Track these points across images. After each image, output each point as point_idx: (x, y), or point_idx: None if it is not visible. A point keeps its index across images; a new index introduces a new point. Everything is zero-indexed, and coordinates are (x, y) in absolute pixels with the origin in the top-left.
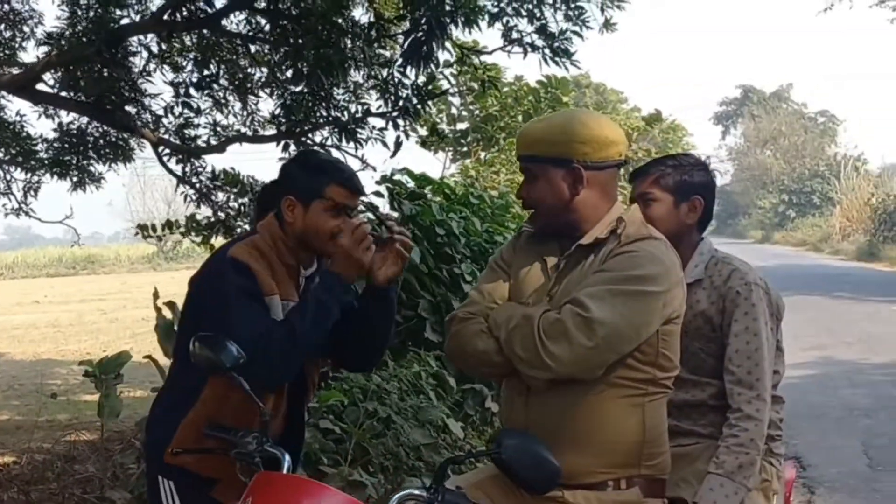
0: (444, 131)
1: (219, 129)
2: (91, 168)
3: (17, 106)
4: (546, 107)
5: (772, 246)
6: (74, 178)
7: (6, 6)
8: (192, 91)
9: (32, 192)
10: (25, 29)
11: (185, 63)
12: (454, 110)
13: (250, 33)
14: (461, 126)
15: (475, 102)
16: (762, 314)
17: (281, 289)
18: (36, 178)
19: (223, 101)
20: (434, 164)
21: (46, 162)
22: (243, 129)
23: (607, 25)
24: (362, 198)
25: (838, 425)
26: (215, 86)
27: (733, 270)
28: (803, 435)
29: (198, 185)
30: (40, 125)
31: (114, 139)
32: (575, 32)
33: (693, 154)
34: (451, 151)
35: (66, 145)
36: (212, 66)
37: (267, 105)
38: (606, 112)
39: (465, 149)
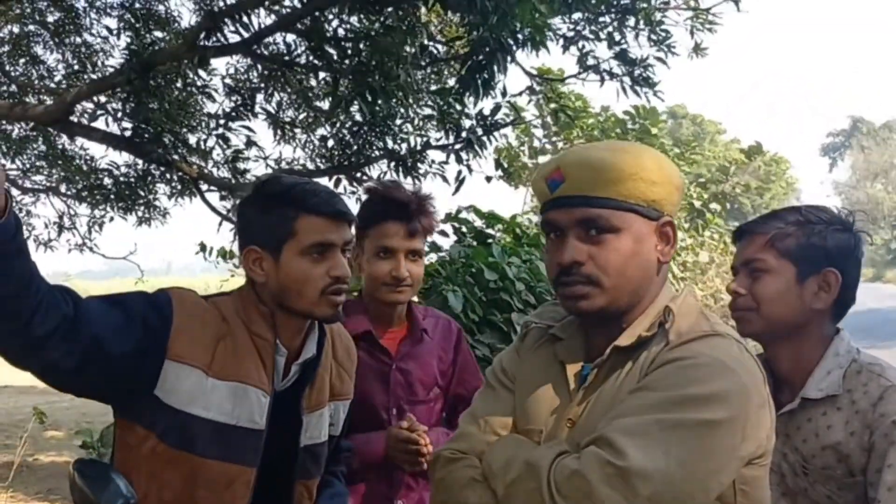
0: (522, 165)
1: (268, 162)
2: (157, 203)
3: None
4: (634, 139)
5: (884, 284)
6: (139, 213)
7: (78, 38)
8: (226, 122)
9: (97, 228)
10: (94, 60)
11: (220, 93)
12: (537, 142)
13: (287, 58)
14: (544, 159)
15: (558, 134)
16: None
17: (232, 367)
18: (100, 214)
19: (280, 132)
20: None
21: (112, 197)
22: (294, 164)
23: (697, 50)
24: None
25: None
26: (251, 116)
27: (888, 388)
28: None
29: None
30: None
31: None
32: (659, 59)
33: (828, 208)
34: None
35: (132, 180)
36: (244, 94)
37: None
38: (704, 145)
39: None
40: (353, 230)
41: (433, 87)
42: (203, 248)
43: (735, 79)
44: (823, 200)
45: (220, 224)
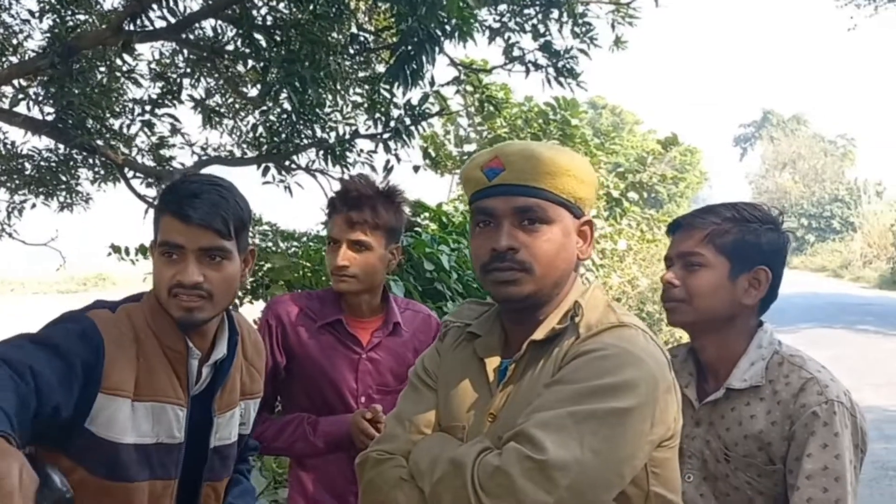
0: (447, 153)
1: (194, 149)
2: (79, 189)
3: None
4: (556, 129)
5: (790, 271)
6: (61, 199)
7: None
8: (152, 109)
9: (17, 213)
10: (14, 42)
11: (146, 78)
12: (462, 131)
13: (215, 45)
14: (469, 147)
15: (483, 123)
16: (847, 449)
17: (148, 384)
18: (20, 199)
19: (207, 119)
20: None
21: (32, 182)
22: (222, 150)
23: (618, 43)
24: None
25: (871, 489)
26: (177, 103)
27: (808, 380)
28: None
29: None
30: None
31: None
32: (582, 51)
33: (761, 205)
34: (457, 175)
35: (54, 165)
36: (171, 81)
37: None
38: (622, 135)
39: None
40: (219, 240)
41: (362, 75)
42: (116, 249)
43: (654, 71)
44: (734, 189)
45: (146, 211)
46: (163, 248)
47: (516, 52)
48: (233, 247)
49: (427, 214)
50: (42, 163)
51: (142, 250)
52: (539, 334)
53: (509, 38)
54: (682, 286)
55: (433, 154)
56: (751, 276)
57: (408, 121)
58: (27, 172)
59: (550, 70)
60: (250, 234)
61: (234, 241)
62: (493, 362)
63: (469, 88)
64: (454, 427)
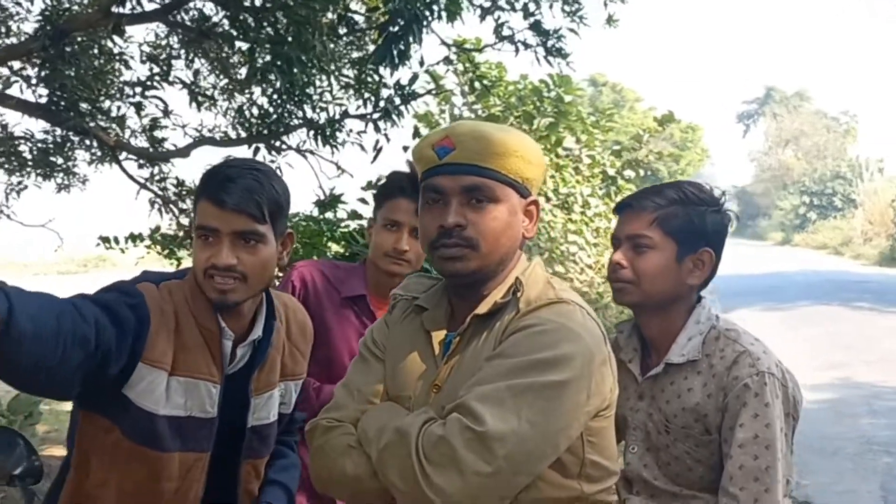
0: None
1: (186, 130)
2: (76, 170)
3: None
4: (550, 107)
5: (792, 248)
6: (58, 181)
7: None
8: (143, 91)
9: (15, 195)
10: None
11: (136, 60)
12: (457, 110)
13: (204, 27)
14: None
15: (477, 102)
16: (777, 418)
17: (184, 360)
18: (17, 180)
19: (196, 101)
20: None
21: (29, 163)
22: (216, 131)
23: (610, 21)
24: (248, 218)
25: (855, 463)
26: (165, 85)
27: (741, 353)
28: (815, 475)
29: (162, 193)
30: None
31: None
32: (571, 30)
33: (703, 185)
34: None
35: (50, 147)
36: (161, 63)
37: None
38: (623, 112)
39: None
40: (253, 224)
41: (355, 55)
42: (105, 239)
43: (656, 48)
44: (737, 167)
45: (138, 192)
46: (199, 232)
47: (506, 32)
48: (268, 230)
49: None
50: (39, 144)
51: (132, 238)
52: (482, 308)
53: (499, 17)
54: (629, 267)
55: (426, 133)
56: (696, 258)
57: (398, 101)
58: (24, 154)
59: (539, 49)
60: None
61: (268, 224)
62: (438, 335)
63: (461, 68)
64: (401, 397)
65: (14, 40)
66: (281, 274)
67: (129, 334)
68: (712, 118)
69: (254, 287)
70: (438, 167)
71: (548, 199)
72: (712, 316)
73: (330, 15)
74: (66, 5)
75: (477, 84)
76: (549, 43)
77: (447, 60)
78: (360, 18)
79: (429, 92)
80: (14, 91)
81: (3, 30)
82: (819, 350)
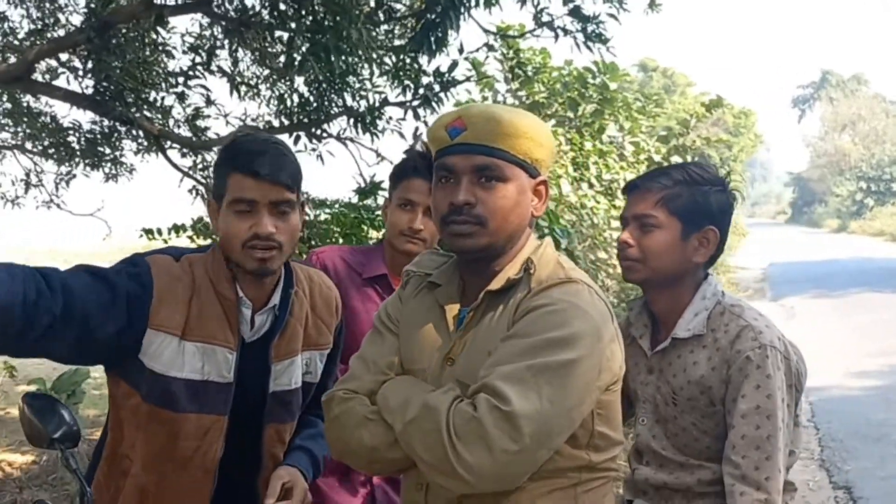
0: None
1: (228, 119)
2: (123, 160)
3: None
4: (595, 93)
5: (848, 235)
6: (106, 170)
7: None
8: (185, 81)
9: (64, 184)
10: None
11: (179, 50)
12: (500, 97)
13: (243, 17)
14: None
15: (521, 88)
16: (778, 389)
17: (199, 326)
18: (67, 170)
19: (237, 91)
20: None
21: (78, 153)
22: (259, 120)
23: (652, 6)
24: (288, 189)
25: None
26: (207, 75)
27: (744, 328)
28: (858, 460)
29: (205, 181)
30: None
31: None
32: (611, 15)
33: (709, 166)
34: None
35: (98, 137)
36: (202, 54)
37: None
38: (673, 97)
39: None
40: (287, 193)
41: (396, 43)
42: (148, 231)
43: (709, 33)
44: (792, 152)
45: (181, 181)
46: (236, 205)
47: (545, 18)
48: (295, 199)
49: None
50: (87, 135)
51: (175, 229)
52: (495, 285)
53: (538, 3)
54: (636, 246)
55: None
56: (701, 236)
57: (437, 88)
58: (73, 144)
59: (579, 35)
60: None
61: (295, 193)
62: (452, 310)
63: (500, 55)
64: (415, 370)
65: (61, 32)
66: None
67: (122, 299)
68: (767, 103)
69: (286, 254)
70: (450, 147)
71: (591, 186)
72: (718, 292)
73: (372, 3)
74: None
75: (518, 71)
76: (589, 28)
77: (488, 47)
78: (399, 6)
79: (468, 79)
80: (61, 82)
81: (51, 22)
82: (870, 337)
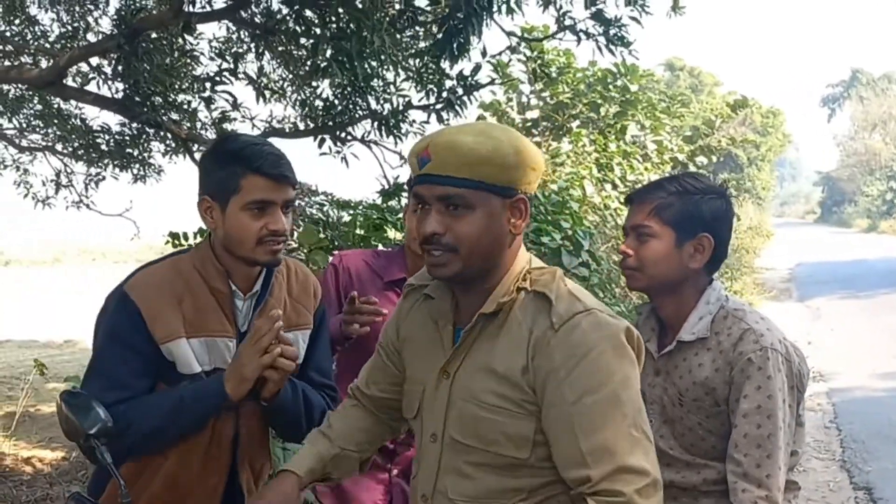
0: (510, 120)
1: (254, 122)
2: (151, 161)
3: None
4: (617, 94)
5: (878, 235)
6: (134, 171)
7: None
8: (212, 86)
9: (94, 185)
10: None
11: (206, 56)
12: (524, 98)
13: (269, 24)
14: (532, 115)
15: (545, 90)
16: (779, 390)
17: (199, 323)
18: (96, 171)
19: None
20: None
21: (107, 155)
22: (286, 122)
23: (675, 9)
24: (295, 187)
25: None
26: (233, 79)
27: (746, 331)
28: (879, 461)
29: None
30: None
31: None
32: (633, 18)
33: (703, 176)
34: None
35: (127, 139)
36: (228, 59)
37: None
38: (700, 97)
39: (536, 139)
40: (293, 192)
41: (421, 46)
42: (174, 236)
43: (737, 32)
44: (822, 151)
45: None
46: (254, 205)
47: (567, 21)
48: None
49: None
50: (115, 137)
51: (201, 233)
52: (488, 308)
53: (560, 6)
54: (634, 256)
55: (495, 122)
56: (695, 243)
57: (460, 91)
58: (102, 147)
59: (601, 38)
60: (307, 203)
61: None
62: (446, 327)
63: (523, 56)
64: (414, 390)
65: (91, 37)
66: None
67: (136, 340)
68: (796, 102)
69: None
70: (420, 177)
71: (615, 187)
72: (722, 297)
73: (398, 6)
74: (140, 5)
75: (542, 72)
76: (612, 32)
77: (512, 49)
78: (422, 8)
79: (492, 81)
80: (92, 87)
81: (82, 27)
82: None
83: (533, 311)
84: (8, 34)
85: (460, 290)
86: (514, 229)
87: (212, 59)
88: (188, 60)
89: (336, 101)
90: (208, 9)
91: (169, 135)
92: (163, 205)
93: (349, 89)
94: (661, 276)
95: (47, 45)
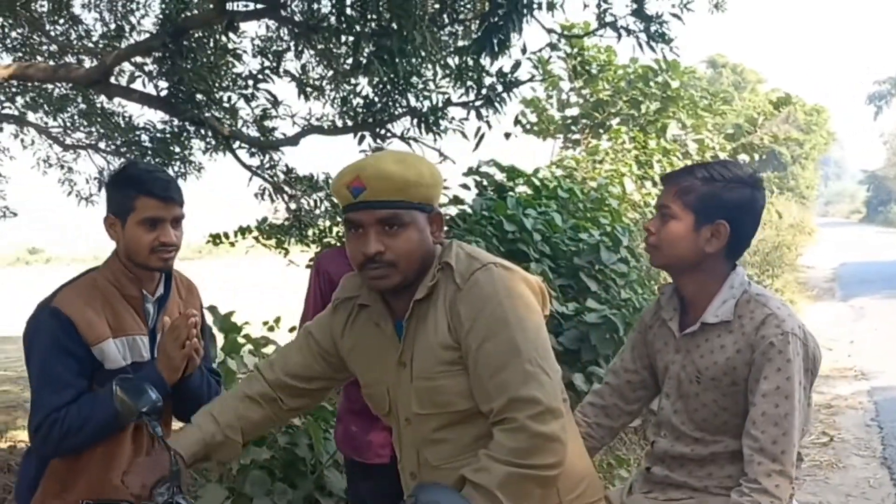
0: (549, 117)
1: (295, 119)
2: (192, 159)
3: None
4: (658, 91)
5: None
6: (175, 168)
7: None
8: (254, 84)
9: None
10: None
11: (248, 54)
12: (564, 95)
13: (311, 22)
14: (571, 112)
15: (586, 87)
16: (797, 373)
17: (119, 325)
18: None
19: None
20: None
21: (149, 152)
22: (324, 120)
23: (718, 6)
24: (179, 206)
25: None
26: (275, 77)
27: (768, 315)
28: None
29: (272, 180)
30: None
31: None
32: (674, 15)
33: (739, 164)
34: (560, 139)
35: (168, 137)
36: (270, 57)
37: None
38: (744, 94)
39: (576, 136)
40: (181, 210)
41: (460, 44)
42: (215, 237)
43: (781, 28)
44: (868, 149)
45: (250, 179)
46: (145, 221)
47: (608, 18)
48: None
49: (521, 179)
50: (158, 134)
51: (241, 231)
52: (420, 294)
53: (601, 3)
54: (656, 234)
55: (535, 119)
56: (713, 228)
57: (500, 88)
58: (145, 143)
59: (642, 35)
60: None
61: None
62: (387, 324)
63: (564, 53)
64: (376, 394)
65: (135, 36)
66: None
67: (72, 345)
68: (841, 100)
69: (176, 255)
70: (355, 204)
71: (654, 184)
72: (745, 282)
73: (436, 6)
74: (184, 4)
75: (582, 69)
76: (652, 28)
77: (552, 46)
78: (463, 5)
79: (532, 78)
80: (137, 85)
81: (125, 26)
82: None
83: (444, 280)
84: (52, 34)
85: (391, 295)
86: (435, 238)
87: (254, 56)
88: (230, 58)
89: (376, 99)
90: (251, 7)
91: (209, 132)
92: (204, 202)
93: (389, 86)
94: (677, 256)
95: (90, 45)
